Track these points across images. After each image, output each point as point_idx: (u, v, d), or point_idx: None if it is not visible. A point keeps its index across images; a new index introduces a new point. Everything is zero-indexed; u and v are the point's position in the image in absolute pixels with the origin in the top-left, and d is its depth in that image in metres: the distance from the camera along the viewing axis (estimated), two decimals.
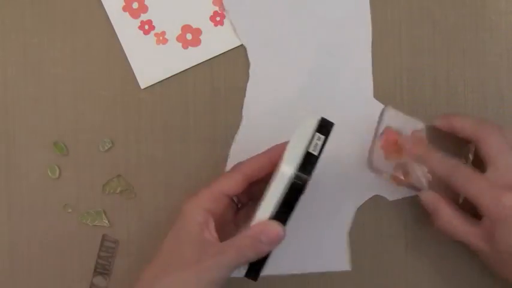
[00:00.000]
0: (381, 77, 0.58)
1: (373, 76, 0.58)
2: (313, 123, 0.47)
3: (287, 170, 0.45)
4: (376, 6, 0.58)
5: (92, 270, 0.57)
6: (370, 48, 0.58)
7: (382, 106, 0.57)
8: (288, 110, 0.58)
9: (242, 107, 0.58)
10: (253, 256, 0.48)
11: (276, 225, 0.47)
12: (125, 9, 0.57)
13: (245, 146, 0.57)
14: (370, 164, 0.55)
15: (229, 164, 0.57)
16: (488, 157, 0.52)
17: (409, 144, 0.55)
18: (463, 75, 0.59)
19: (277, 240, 0.47)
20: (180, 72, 0.58)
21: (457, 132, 0.54)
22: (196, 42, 0.58)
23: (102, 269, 0.57)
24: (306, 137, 0.47)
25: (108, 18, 0.57)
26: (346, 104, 0.58)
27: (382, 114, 0.55)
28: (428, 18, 0.59)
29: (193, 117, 0.58)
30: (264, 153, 0.52)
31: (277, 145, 0.51)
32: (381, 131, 0.55)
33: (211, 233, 0.49)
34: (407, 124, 0.55)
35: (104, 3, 0.57)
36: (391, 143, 0.55)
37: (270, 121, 0.58)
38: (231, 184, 0.51)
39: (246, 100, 0.58)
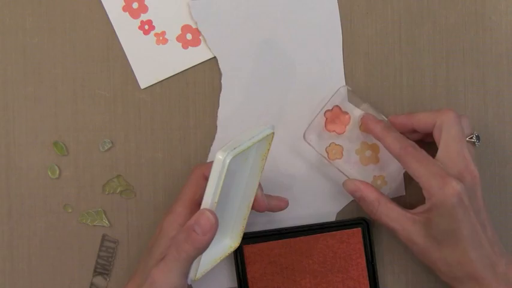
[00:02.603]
0: (381, 76, 0.58)
1: (372, 76, 0.58)
2: (266, 130, 0.49)
3: (220, 156, 0.44)
4: (376, 6, 0.58)
5: (92, 270, 0.57)
6: (341, 43, 0.58)
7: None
8: (261, 118, 0.58)
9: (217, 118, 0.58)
10: (192, 250, 0.46)
11: (206, 213, 0.46)
12: (124, 9, 0.57)
13: None
14: (305, 135, 0.56)
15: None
16: (443, 142, 0.52)
17: (369, 119, 0.55)
18: (463, 75, 0.59)
19: (210, 228, 0.46)
20: (180, 72, 0.58)
21: (416, 126, 0.54)
22: (196, 42, 0.58)
23: (102, 269, 0.57)
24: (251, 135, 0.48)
25: (108, 18, 0.57)
26: (319, 98, 0.58)
27: (336, 92, 0.56)
28: (428, 18, 0.59)
29: (193, 117, 0.58)
30: None
31: None
32: (329, 107, 0.56)
33: None
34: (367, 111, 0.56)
35: (103, 3, 0.57)
36: (335, 115, 0.56)
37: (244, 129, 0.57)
38: (198, 190, 0.51)
39: (220, 110, 0.58)
